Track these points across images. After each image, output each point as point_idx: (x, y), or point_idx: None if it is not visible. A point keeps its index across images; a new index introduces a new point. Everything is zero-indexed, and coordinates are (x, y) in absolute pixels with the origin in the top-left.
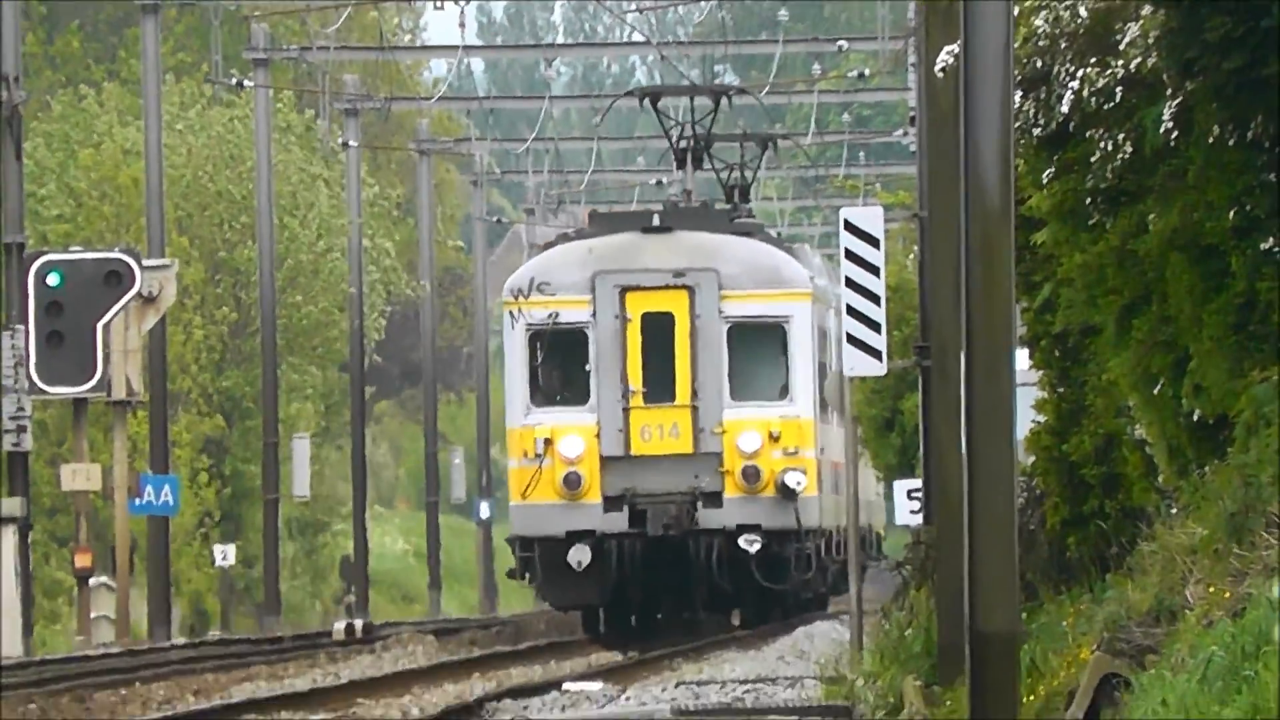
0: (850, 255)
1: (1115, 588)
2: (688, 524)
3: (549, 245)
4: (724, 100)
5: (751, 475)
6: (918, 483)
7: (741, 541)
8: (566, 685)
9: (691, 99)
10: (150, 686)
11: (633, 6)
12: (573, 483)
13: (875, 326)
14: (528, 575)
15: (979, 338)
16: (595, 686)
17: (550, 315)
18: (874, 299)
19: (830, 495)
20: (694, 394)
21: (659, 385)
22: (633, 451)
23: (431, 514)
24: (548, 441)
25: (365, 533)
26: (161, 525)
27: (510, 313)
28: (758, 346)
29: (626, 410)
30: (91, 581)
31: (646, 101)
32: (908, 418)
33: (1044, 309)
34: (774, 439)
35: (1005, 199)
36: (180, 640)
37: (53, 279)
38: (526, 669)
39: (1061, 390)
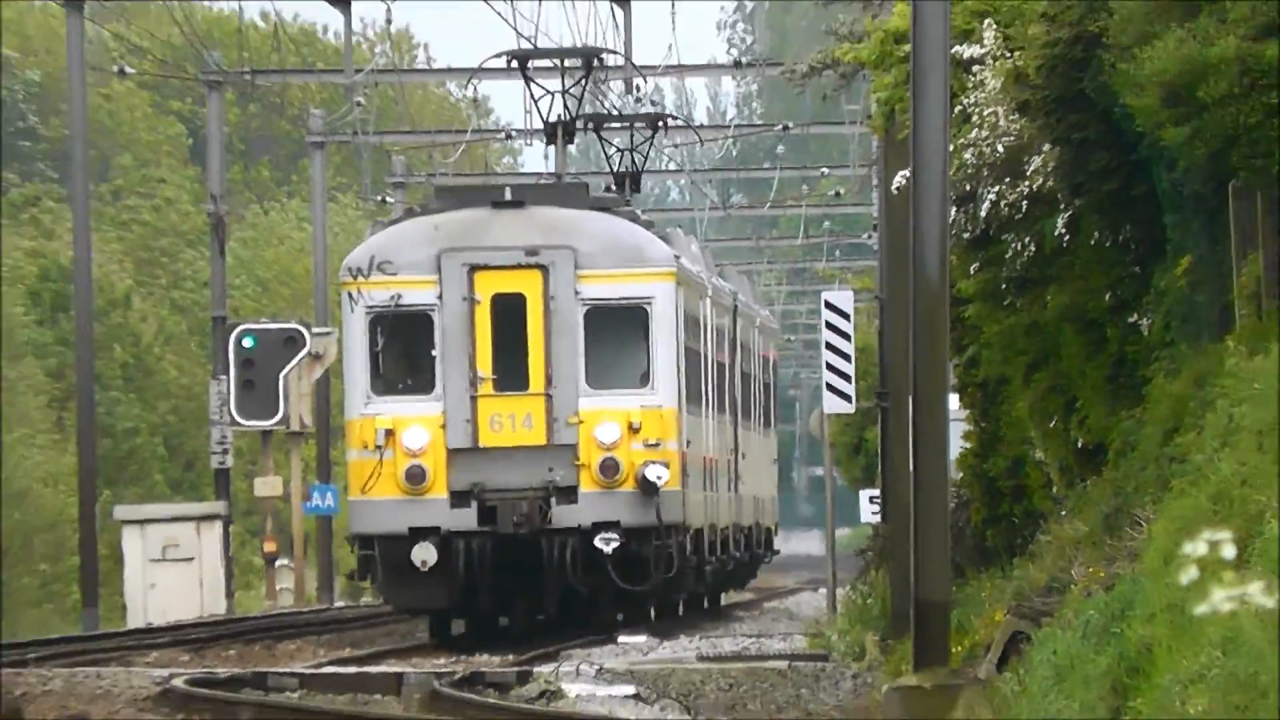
0: (829, 326)
1: (1021, 569)
2: (540, 521)
3: (392, 222)
4: (598, 63)
5: (610, 469)
6: (877, 491)
7: (598, 540)
8: (621, 638)
9: (562, 63)
10: (318, 637)
11: (668, 144)
12: (416, 477)
13: (847, 378)
14: (369, 576)
15: (923, 385)
16: (641, 639)
17: (392, 297)
18: (846, 357)
19: (699, 492)
20: (548, 381)
21: (510, 372)
22: (481, 443)
23: None
24: (389, 432)
25: None
26: (326, 521)
27: (349, 294)
28: (617, 330)
29: (475, 399)
30: (276, 563)
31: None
32: (870, 444)
33: (970, 365)
34: (634, 430)
35: (942, 285)
36: (341, 603)
37: (247, 342)
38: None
39: (983, 424)
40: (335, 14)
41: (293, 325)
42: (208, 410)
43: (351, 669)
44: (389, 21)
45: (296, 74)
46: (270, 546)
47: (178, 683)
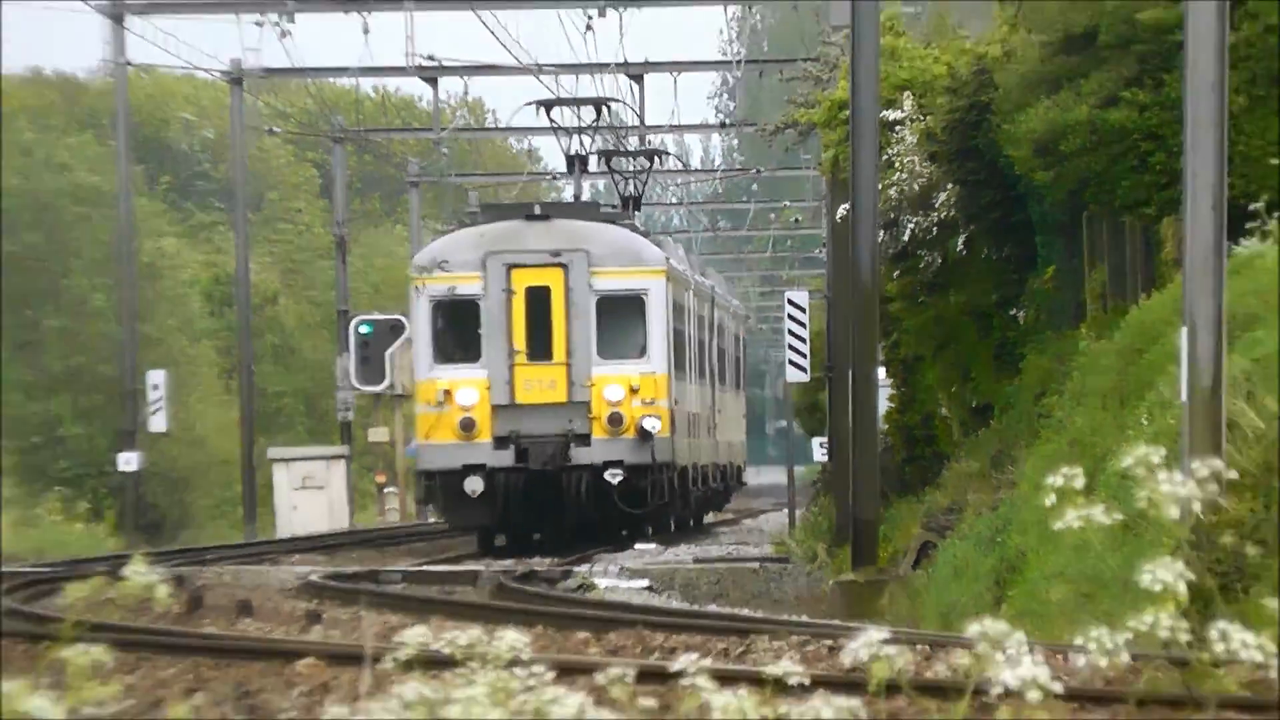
0: (791, 317)
1: (930, 495)
2: (562, 460)
3: (448, 231)
4: (606, 110)
5: (615, 421)
6: (825, 438)
7: (606, 475)
8: (637, 546)
9: (578, 109)
10: (414, 545)
11: (671, 184)
12: (468, 426)
13: (803, 355)
14: (431, 501)
15: (859, 361)
16: (652, 546)
17: (449, 289)
18: (803, 340)
19: (685, 438)
20: (568, 354)
21: (539, 346)
22: (517, 400)
23: None
24: (447, 392)
25: None
26: None
27: (415, 287)
28: (621, 314)
29: (512, 367)
30: (384, 490)
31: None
32: (821, 403)
33: (894, 346)
34: (634, 391)
35: (874, 287)
36: (432, 520)
37: (363, 329)
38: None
39: (903, 389)
40: (427, 87)
41: (396, 316)
42: (335, 379)
43: (440, 568)
44: (466, 93)
45: (398, 132)
46: (380, 478)
47: (314, 578)
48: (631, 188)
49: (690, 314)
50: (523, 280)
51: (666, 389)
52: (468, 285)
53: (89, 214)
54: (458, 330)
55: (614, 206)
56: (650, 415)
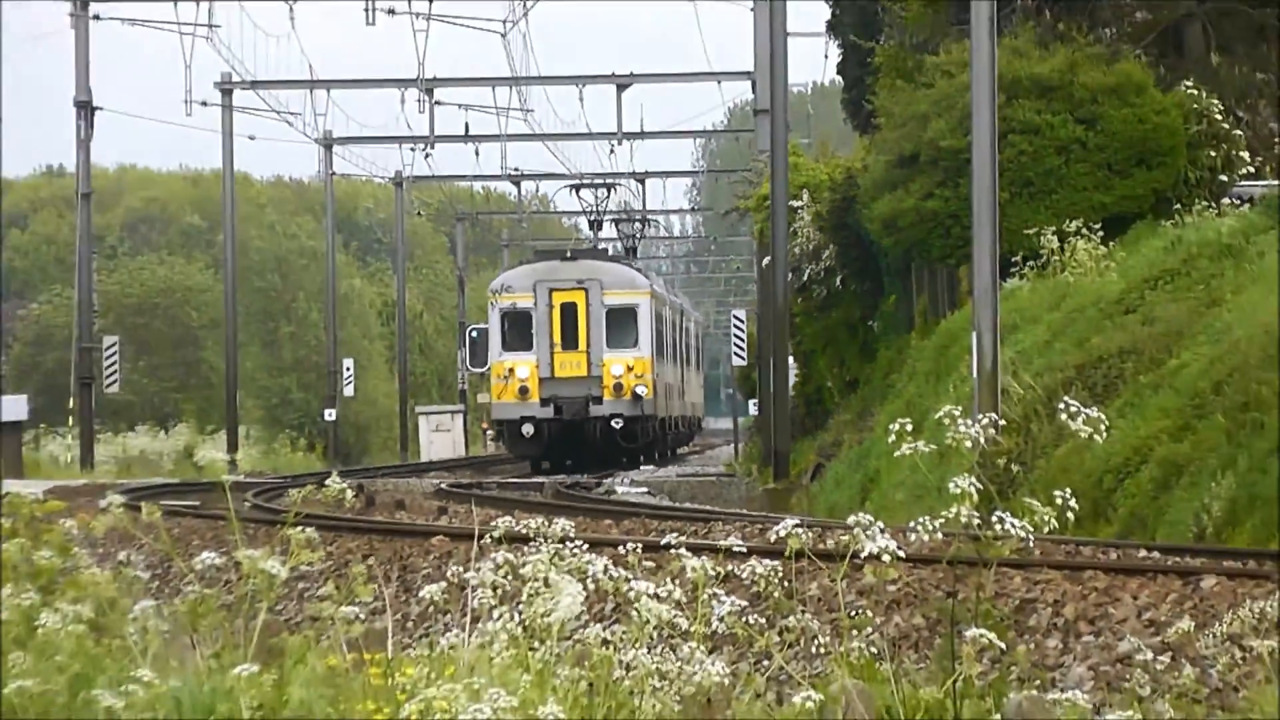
0: (735, 325)
1: (821, 435)
2: (585, 414)
3: (513, 266)
4: (613, 190)
5: (618, 388)
6: (756, 399)
7: (613, 423)
8: (642, 468)
9: (594, 189)
10: (504, 467)
11: (662, 243)
12: (524, 391)
13: (743, 348)
14: (501, 440)
15: (776, 353)
16: (651, 468)
17: (512, 304)
18: (742, 339)
19: (664, 399)
20: (588, 345)
21: (569, 340)
22: (556, 375)
23: None
24: (511, 370)
25: None
26: None
27: (491, 302)
28: (621, 320)
29: (552, 353)
30: (487, 434)
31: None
32: (754, 378)
33: (799, 344)
34: (630, 369)
35: (785, 308)
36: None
37: (474, 333)
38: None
39: (804, 370)
40: (513, 186)
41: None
42: (456, 364)
43: (519, 480)
44: (536, 190)
45: (495, 214)
46: (484, 425)
47: (443, 486)
48: (632, 241)
49: (667, 320)
50: (559, 298)
51: (651, 368)
52: (524, 301)
53: (308, 264)
54: (518, 330)
55: (619, 252)
56: (640, 384)
